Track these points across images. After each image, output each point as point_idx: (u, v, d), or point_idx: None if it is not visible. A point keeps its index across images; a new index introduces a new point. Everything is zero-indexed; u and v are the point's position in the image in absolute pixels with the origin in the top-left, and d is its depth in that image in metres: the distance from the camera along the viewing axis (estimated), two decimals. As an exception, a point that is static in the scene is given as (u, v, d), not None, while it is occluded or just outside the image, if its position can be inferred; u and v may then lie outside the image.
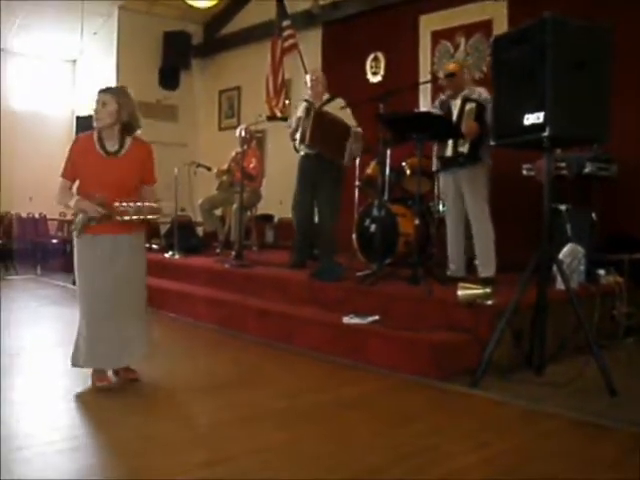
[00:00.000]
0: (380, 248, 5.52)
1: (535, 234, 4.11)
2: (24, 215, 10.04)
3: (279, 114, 8.34)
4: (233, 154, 7.81)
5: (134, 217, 3.43)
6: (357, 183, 6.76)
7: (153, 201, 3.60)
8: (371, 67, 8.18)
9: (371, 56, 8.18)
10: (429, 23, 7.52)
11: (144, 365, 3.87)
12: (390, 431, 3.08)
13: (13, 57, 10.29)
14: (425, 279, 4.82)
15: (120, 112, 3.60)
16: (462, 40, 7.17)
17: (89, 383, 3.68)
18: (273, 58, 8.47)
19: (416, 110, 6.46)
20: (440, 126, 5.05)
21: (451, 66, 5.41)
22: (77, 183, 3.67)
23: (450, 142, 5.16)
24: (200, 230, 8.77)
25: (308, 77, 6.27)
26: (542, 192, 3.96)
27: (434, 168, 5.51)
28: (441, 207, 5.95)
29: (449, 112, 5.19)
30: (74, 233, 3.65)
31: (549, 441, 2.98)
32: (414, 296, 4.63)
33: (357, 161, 6.44)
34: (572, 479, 2.58)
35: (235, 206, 7.23)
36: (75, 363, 3.69)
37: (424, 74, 7.42)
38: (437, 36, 7.44)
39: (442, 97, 5.45)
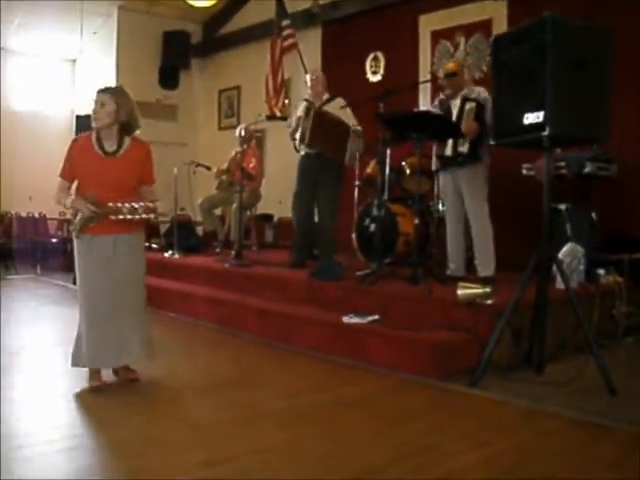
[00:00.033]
0: (380, 247, 5.52)
1: (535, 233, 4.11)
2: (24, 214, 10.04)
3: (279, 113, 8.34)
4: (233, 154, 7.81)
5: (128, 216, 3.44)
6: (357, 182, 6.76)
7: (151, 201, 3.61)
8: (371, 67, 8.18)
9: (371, 56, 8.17)
10: (429, 23, 7.52)
11: (144, 365, 3.87)
12: (390, 430, 3.09)
13: (13, 56, 10.28)
14: (425, 278, 4.82)
15: (118, 112, 3.60)
16: (462, 40, 7.17)
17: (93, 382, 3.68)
18: (273, 58, 8.47)
19: (416, 110, 6.46)
20: (440, 126, 5.05)
21: (450, 65, 5.41)
22: (76, 183, 3.68)
23: (450, 142, 5.16)
24: (200, 230, 8.78)
25: (308, 77, 6.27)
26: (542, 192, 3.96)
27: (434, 167, 5.52)
28: (441, 206, 5.95)
29: (448, 112, 5.19)
30: (73, 234, 3.65)
31: (549, 440, 2.98)
32: (414, 296, 4.63)
33: (357, 160, 6.43)
34: (572, 478, 2.59)
35: (235, 206, 7.23)
36: (75, 363, 3.70)
37: (424, 74, 7.42)
38: (437, 36, 7.43)
39: (441, 97, 5.45)
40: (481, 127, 4.98)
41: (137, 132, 3.75)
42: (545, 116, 3.57)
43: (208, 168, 7.95)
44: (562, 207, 5.23)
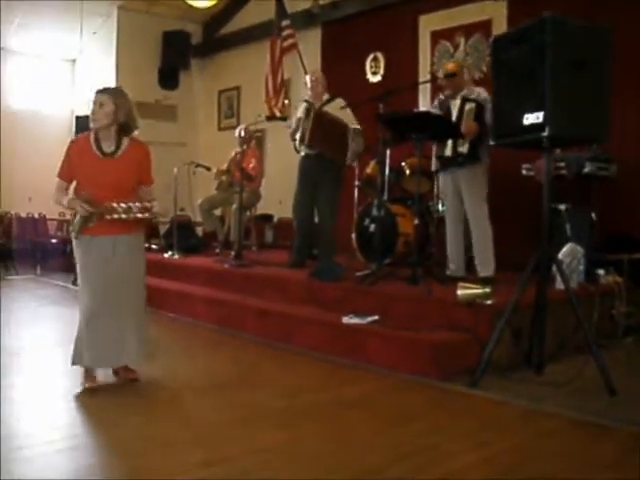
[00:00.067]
0: (379, 248, 5.52)
1: (535, 234, 4.11)
2: (23, 215, 10.04)
3: (278, 114, 8.33)
4: (232, 154, 7.81)
5: (123, 215, 3.44)
6: (357, 183, 6.76)
7: (149, 201, 3.63)
8: (371, 67, 8.18)
9: (371, 56, 8.17)
10: (428, 23, 7.52)
11: (144, 365, 3.87)
12: (390, 430, 3.09)
13: (12, 56, 10.28)
14: (424, 279, 4.82)
15: (117, 113, 3.60)
16: (462, 40, 7.17)
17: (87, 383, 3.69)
18: (272, 58, 8.47)
19: (415, 110, 6.46)
20: (439, 126, 5.05)
21: (450, 66, 5.41)
22: (75, 184, 3.68)
23: (449, 142, 5.17)
24: (199, 230, 8.78)
25: (308, 78, 6.27)
26: (541, 192, 3.96)
27: (433, 168, 5.52)
28: (440, 207, 5.95)
29: (448, 112, 5.19)
30: (72, 234, 3.66)
31: (549, 440, 2.98)
32: (413, 296, 4.63)
33: (357, 162, 6.44)
34: (572, 479, 2.59)
35: (234, 206, 7.23)
36: (75, 362, 3.70)
37: (424, 74, 7.42)
38: (437, 36, 7.43)
39: (440, 97, 5.45)
40: (481, 127, 4.98)
41: (136, 132, 3.75)
42: (545, 116, 3.57)
43: (208, 168, 7.94)
44: (562, 207, 5.23)
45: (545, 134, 3.60)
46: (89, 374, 3.71)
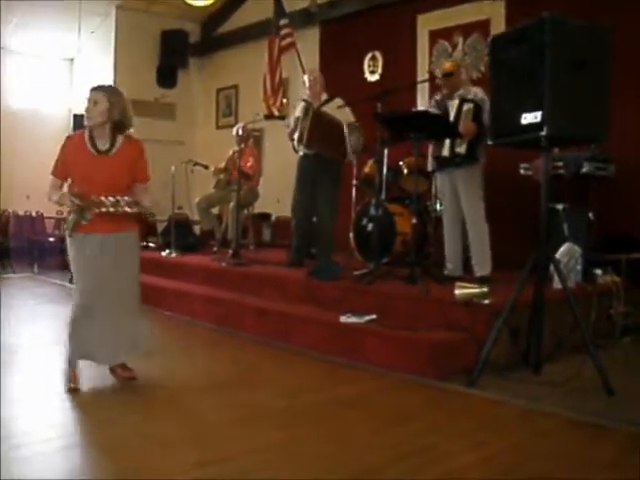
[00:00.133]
0: (377, 247, 5.52)
1: (532, 233, 4.11)
2: (21, 213, 10.03)
3: (276, 113, 8.34)
4: (230, 153, 7.80)
5: (111, 209, 3.44)
6: (354, 182, 6.76)
7: (148, 199, 3.64)
8: (369, 66, 8.18)
9: (369, 55, 8.17)
10: (427, 22, 7.52)
11: (142, 363, 3.87)
12: (388, 430, 3.09)
13: (11, 55, 10.26)
14: (422, 278, 4.82)
15: (111, 111, 3.59)
16: (460, 40, 7.18)
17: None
18: (270, 57, 8.46)
19: (414, 109, 6.46)
20: (438, 125, 5.05)
21: (447, 65, 5.41)
22: (69, 181, 3.67)
23: (447, 142, 5.17)
24: (197, 228, 8.77)
25: (306, 77, 6.26)
26: (539, 191, 3.96)
27: (429, 168, 5.52)
28: (438, 206, 5.96)
29: (446, 112, 5.18)
30: (66, 232, 3.65)
31: (547, 440, 2.99)
32: (411, 295, 4.63)
33: (355, 160, 6.43)
34: (570, 478, 2.59)
35: (232, 204, 7.21)
36: (71, 363, 3.68)
37: (422, 73, 7.42)
38: (435, 35, 7.44)
39: (437, 97, 5.46)
40: (479, 128, 4.98)
41: (131, 130, 3.75)
42: (543, 116, 3.57)
43: (206, 167, 7.94)
44: (560, 207, 5.23)
45: (543, 133, 3.60)
46: (74, 374, 3.66)
